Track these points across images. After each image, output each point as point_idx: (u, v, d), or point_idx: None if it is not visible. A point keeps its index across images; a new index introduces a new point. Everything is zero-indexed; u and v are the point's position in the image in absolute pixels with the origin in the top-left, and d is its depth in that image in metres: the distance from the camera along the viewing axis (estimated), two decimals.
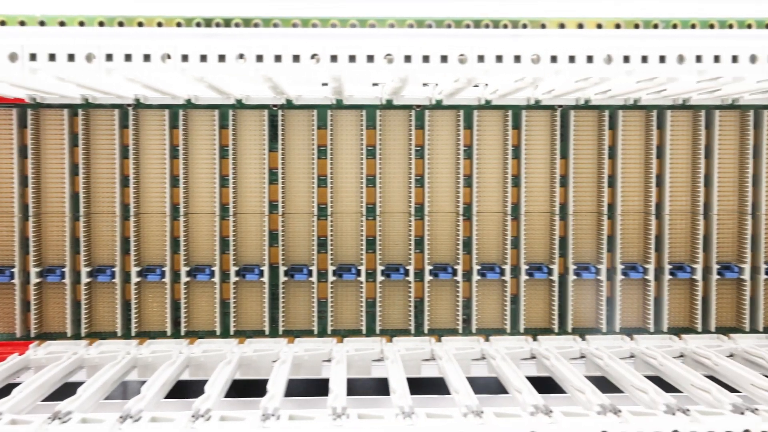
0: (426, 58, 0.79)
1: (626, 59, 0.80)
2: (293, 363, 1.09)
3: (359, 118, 1.20)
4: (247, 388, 1.08)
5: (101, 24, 0.82)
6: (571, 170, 1.21)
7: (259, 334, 1.21)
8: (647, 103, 1.20)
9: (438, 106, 1.20)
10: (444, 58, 0.79)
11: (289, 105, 1.19)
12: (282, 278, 1.20)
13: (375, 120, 1.20)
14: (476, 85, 1.11)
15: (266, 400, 0.88)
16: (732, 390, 0.95)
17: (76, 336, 1.19)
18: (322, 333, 1.21)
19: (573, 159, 1.21)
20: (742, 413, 0.84)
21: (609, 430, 0.81)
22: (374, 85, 1.13)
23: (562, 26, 0.81)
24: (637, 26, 0.82)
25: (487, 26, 0.81)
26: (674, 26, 0.82)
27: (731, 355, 1.15)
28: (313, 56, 0.79)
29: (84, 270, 1.17)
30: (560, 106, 1.21)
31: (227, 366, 1.03)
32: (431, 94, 1.16)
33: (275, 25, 0.80)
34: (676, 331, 1.22)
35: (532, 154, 1.22)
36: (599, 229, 1.22)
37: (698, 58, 0.80)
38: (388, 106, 1.20)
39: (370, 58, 0.79)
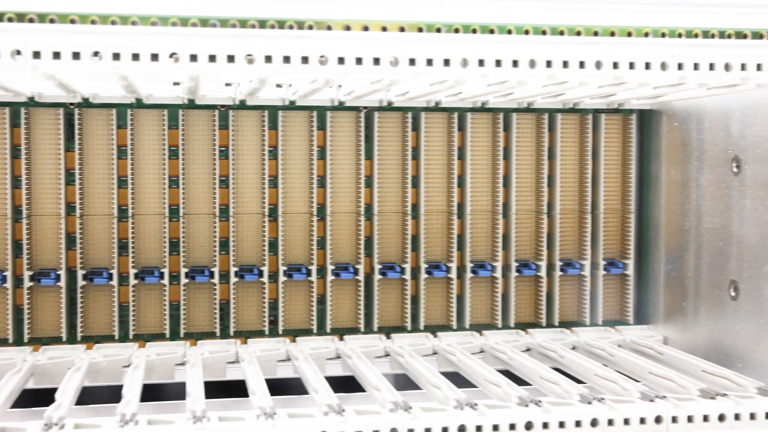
0: (212, 58, 0.78)
1: (412, 62, 0.81)
2: (90, 369, 1.06)
3: (161, 118, 1.17)
4: (44, 398, 1.04)
5: None
6: (376, 171, 1.22)
7: (56, 340, 1.16)
8: (448, 105, 1.22)
9: (242, 106, 1.19)
10: (231, 58, 0.78)
11: (87, 104, 1.15)
12: (80, 282, 1.16)
13: (178, 120, 1.18)
14: (279, 86, 1.10)
15: (52, 409, 0.85)
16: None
17: None
18: (124, 338, 1.18)
19: (377, 160, 1.23)
20: (527, 406, 0.87)
21: (398, 426, 0.83)
22: (175, 84, 1.11)
23: (347, 28, 0.82)
24: (420, 30, 0.83)
25: (272, 27, 0.81)
26: (456, 30, 0.84)
27: (528, 350, 1.19)
28: (95, 54, 0.76)
29: None
30: (365, 107, 1.22)
31: (16, 375, 0.99)
32: (234, 94, 1.15)
33: (51, 21, 0.77)
34: (478, 327, 1.26)
35: (337, 155, 1.22)
36: (404, 229, 1.24)
37: (481, 62, 0.82)
38: (191, 105, 1.18)
39: (155, 57, 0.77)
